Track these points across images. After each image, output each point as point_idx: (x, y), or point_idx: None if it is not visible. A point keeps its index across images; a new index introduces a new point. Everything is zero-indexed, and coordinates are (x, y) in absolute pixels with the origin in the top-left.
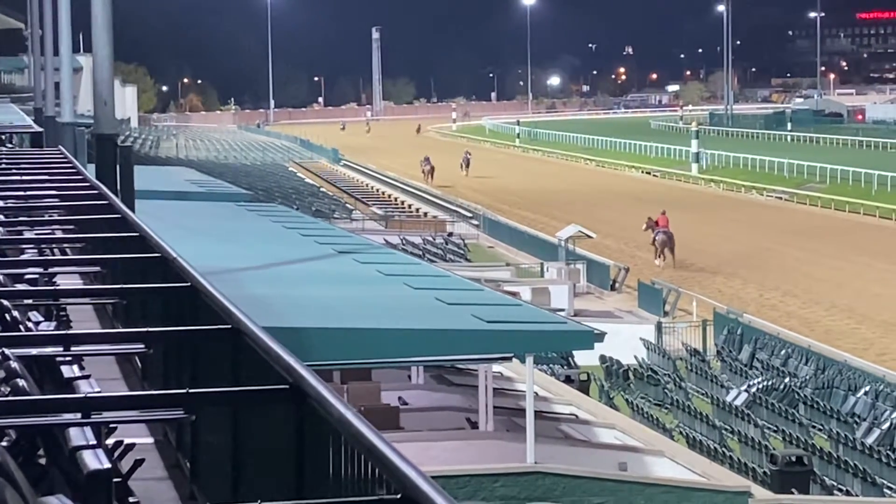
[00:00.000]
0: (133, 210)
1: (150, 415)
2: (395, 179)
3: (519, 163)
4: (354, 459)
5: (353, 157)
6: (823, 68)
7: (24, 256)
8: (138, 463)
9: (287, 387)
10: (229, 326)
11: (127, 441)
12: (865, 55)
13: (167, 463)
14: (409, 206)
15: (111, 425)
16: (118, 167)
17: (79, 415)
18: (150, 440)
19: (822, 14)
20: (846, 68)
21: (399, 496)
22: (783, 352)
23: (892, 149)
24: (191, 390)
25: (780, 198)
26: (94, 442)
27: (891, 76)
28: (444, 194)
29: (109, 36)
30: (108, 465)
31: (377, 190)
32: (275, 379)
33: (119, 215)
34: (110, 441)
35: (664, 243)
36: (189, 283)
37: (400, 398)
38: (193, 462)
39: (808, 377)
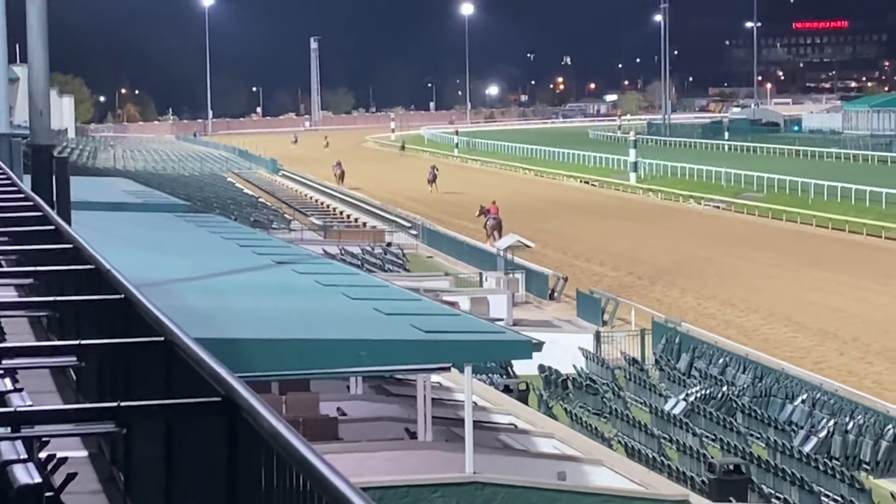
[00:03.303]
0: (69, 221)
1: (80, 429)
2: (335, 189)
3: (457, 173)
4: (286, 472)
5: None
6: (760, 78)
7: None
8: (71, 477)
9: (219, 399)
10: (162, 338)
11: (60, 454)
12: (801, 65)
13: (101, 476)
14: (348, 217)
15: (43, 439)
16: (54, 178)
17: (9, 429)
18: (84, 453)
19: (759, 24)
20: (783, 78)
21: None
22: (721, 360)
23: (828, 158)
24: (122, 403)
25: (718, 207)
26: (25, 456)
27: (827, 86)
28: (384, 204)
29: (45, 46)
30: (39, 479)
31: (316, 200)
32: (207, 391)
33: (53, 227)
34: (43, 455)
35: (494, 227)
36: (122, 295)
37: (339, 409)
38: (127, 475)
39: (745, 386)
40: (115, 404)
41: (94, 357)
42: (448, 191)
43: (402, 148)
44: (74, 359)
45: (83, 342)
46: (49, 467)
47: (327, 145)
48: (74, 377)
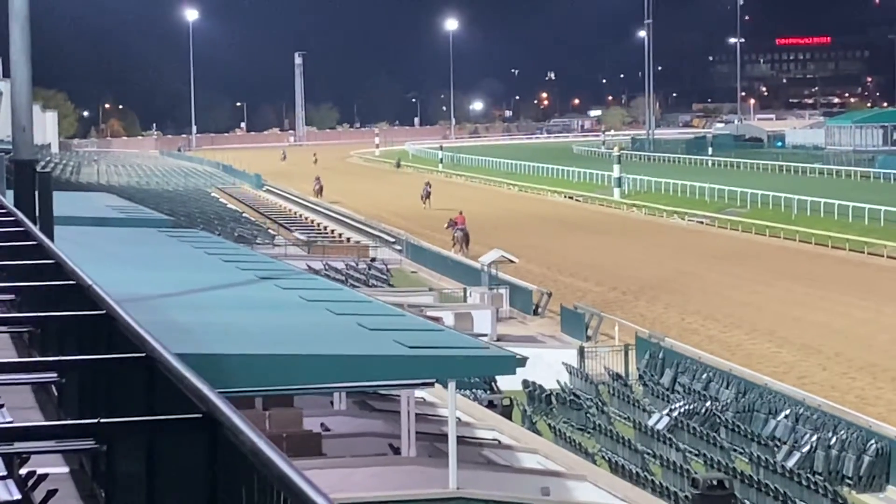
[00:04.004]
0: (52, 237)
1: (60, 445)
2: (317, 204)
3: (442, 188)
4: (267, 489)
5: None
6: (743, 93)
7: None
8: (51, 493)
9: (200, 416)
10: (143, 355)
11: (40, 471)
12: (785, 80)
13: (82, 493)
14: (332, 232)
15: (23, 455)
16: (37, 194)
17: None
18: (65, 470)
19: (742, 40)
20: (766, 93)
21: None
22: (704, 376)
23: (811, 173)
24: (102, 420)
25: (702, 222)
26: (5, 472)
27: (810, 101)
28: (368, 219)
29: (28, 61)
30: (18, 495)
31: (300, 215)
32: (188, 407)
33: (35, 242)
34: (23, 471)
35: (461, 238)
36: (104, 311)
37: (322, 424)
38: (108, 492)
39: (729, 401)
40: (96, 421)
41: (76, 373)
42: (440, 207)
43: (398, 165)
44: (55, 375)
45: (64, 358)
46: (29, 484)
47: (316, 161)
48: (56, 393)
